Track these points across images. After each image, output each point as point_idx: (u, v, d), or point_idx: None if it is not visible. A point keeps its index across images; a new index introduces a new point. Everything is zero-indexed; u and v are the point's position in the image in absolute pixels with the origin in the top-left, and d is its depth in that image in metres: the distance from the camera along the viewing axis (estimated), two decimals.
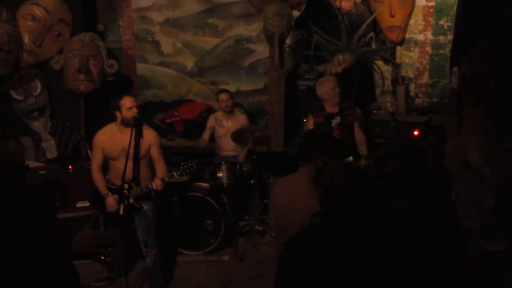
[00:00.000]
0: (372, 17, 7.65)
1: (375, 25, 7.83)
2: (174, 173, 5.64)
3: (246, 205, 7.46)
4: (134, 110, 5.53)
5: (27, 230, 2.99)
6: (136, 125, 5.55)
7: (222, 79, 8.70)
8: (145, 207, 5.69)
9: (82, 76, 7.22)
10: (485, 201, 4.14)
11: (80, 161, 7.00)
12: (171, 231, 6.84)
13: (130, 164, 5.50)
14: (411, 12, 7.69)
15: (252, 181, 7.28)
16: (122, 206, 5.57)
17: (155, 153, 5.71)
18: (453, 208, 3.47)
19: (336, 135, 6.52)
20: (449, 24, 7.62)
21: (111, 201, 5.62)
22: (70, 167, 6.66)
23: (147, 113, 8.48)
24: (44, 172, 6.51)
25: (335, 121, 6.54)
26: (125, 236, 5.53)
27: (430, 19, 7.69)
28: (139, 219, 5.70)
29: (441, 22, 7.67)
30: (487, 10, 7.05)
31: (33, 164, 6.57)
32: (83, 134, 7.44)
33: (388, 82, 7.99)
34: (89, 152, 7.42)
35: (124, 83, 8.48)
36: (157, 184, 5.54)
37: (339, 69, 7.33)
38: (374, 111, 7.56)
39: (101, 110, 8.07)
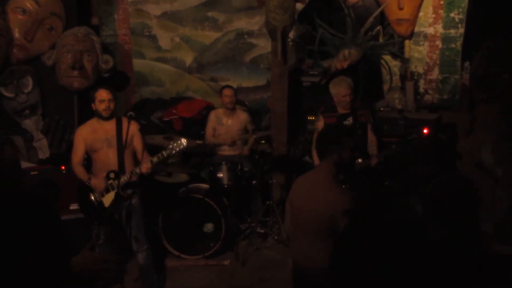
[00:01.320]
0: (379, 10, 7.63)
1: (382, 18, 7.81)
2: (164, 152, 5.62)
3: (247, 207, 7.45)
4: (106, 103, 5.58)
5: (27, 237, 2.97)
6: (108, 118, 5.62)
7: (223, 75, 8.68)
8: (133, 200, 5.70)
9: (75, 73, 7.21)
10: (499, 203, 4.13)
11: None
12: (169, 234, 6.82)
13: (114, 153, 5.58)
14: (420, 4, 7.67)
15: (254, 182, 7.26)
16: (107, 198, 5.57)
17: (138, 143, 5.78)
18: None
19: None
20: (460, 16, 7.59)
21: (95, 182, 5.61)
22: (63, 167, 6.64)
23: (144, 111, 8.47)
24: (36, 173, 6.49)
25: (347, 122, 6.52)
26: (114, 233, 5.53)
27: (441, 11, 7.67)
28: (127, 214, 5.69)
29: (452, 15, 7.65)
30: (500, 2, 7.02)
31: (24, 164, 6.56)
32: None
33: (396, 78, 7.97)
34: None
35: (119, 79, 8.48)
36: (146, 167, 5.55)
37: (345, 65, 7.31)
38: (381, 108, 7.54)
39: None
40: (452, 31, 7.67)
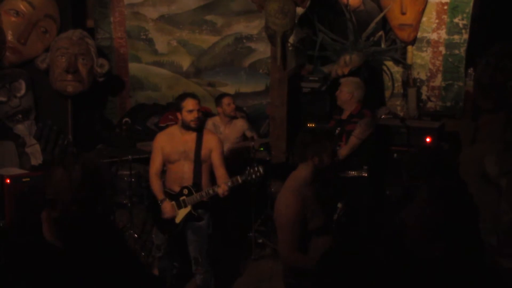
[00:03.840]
0: (381, 15, 7.63)
1: (384, 23, 7.81)
2: (238, 177, 5.52)
3: (245, 215, 7.42)
4: (195, 114, 5.48)
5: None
6: (196, 129, 5.54)
7: (221, 80, 8.68)
8: (200, 222, 5.57)
9: (70, 76, 7.20)
10: (503, 214, 4.13)
11: None
12: None
13: (190, 167, 5.50)
14: (423, 9, 7.66)
15: (252, 190, 7.24)
16: (179, 214, 5.51)
17: (216, 158, 5.60)
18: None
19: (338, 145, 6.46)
20: (464, 22, 7.59)
21: (167, 206, 5.50)
22: None
23: (140, 116, 8.45)
24: (28, 179, 6.43)
25: (337, 130, 6.50)
26: (180, 248, 5.52)
27: (444, 16, 7.67)
28: (192, 234, 5.60)
29: (456, 20, 7.65)
30: (505, 7, 7.03)
31: (16, 171, 6.54)
32: (71, 138, 7.42)
33: (398, 85, 7.97)
34: None
35: (115, 83, 8.47)
36: (223, 189, 5.44)
37: (346, 70, 7.30)
38: (383, 116, 7.53)
39: (90, 113, 8.07)
40: (456, 37, 7.67)
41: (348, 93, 6.38)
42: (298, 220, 3.85)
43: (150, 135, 7.98)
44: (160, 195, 5.57)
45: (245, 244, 7.22)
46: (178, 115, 5.57)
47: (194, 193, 5.48)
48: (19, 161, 7.04)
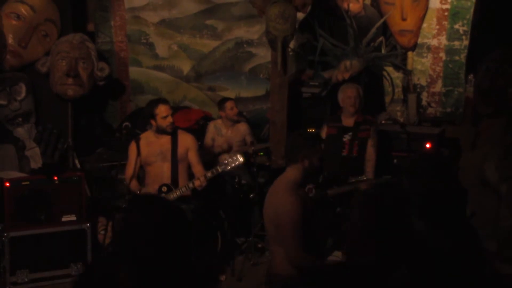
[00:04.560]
0: (382, 20, 7.65)
1: (385, 29, 7.83)
2: (218, 167, 5.65)
3: (245, 220, 7.42)
4: (170, 119, 5.67)
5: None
6: (172, 133, 5.72)
7: (221, 85, 8.69)
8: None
9: (70, 80, 7.20)
10: (503, 220, 4.13)
11: (67, 172, 6.95)
12: None
13: (168, 167, 5.67)
14: (424, 15, 7.69)
15: (252, 195, 7.24)
16: None
17: (193, 156, 5.86)
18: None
19: (347, 152, 6.47)
20: (465, 28, 7.62)
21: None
22: (56, 178, 6.61)
23: (140, 121, 8.45)
24: (28, 183, 6.46)
25: (347, 137, 6.48)
26: None
27: (445, 23, 7.69)
28: None
29: (456, 26, 7.67)
30: (506, 14, 7.04)
31: (16, 174, 6.55)
32: (71, 142, 7.41)
33: (398, 90, 7.98)
34: (76, 161, 7.40)
35: (115, 88, 8.48)
36: (201, 180, 5.56)
37: (346, 76, 7.32)
38: (383, 121, 7.54)
39: (90, 116, 8.07)
40: (456, 43, 7.69)
41: (359, 98, 6.43)
42: (301, 219, 3.91)
43: None
44: (136, 189, 5.82)
45: (244, 248, 7.22)
46: (152, 121, 5.75)
47: (173, 189, 5.57)
48: (19, 165, 7.05)
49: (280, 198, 4.04)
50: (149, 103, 6.00)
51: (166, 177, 5.71)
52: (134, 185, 5.88)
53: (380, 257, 2.46)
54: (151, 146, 5.82)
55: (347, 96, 6.44)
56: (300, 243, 3.92)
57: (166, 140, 5.75)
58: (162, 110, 5.68)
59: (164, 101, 5.90)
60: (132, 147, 5.94)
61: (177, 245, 2.57)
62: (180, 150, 5.74)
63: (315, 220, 4.23)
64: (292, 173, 4.12)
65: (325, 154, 6.45)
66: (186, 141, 5.80)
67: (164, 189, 5.61)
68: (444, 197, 2.81)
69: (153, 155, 5.79)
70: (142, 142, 5.86)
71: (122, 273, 2.48)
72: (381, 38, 7.74)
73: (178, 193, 5.61)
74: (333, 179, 6.25)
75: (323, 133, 6.57)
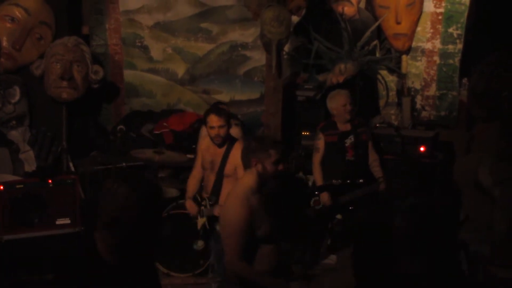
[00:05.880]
0: (376, 24, 7.66)
1: (379, 32, 7.84)
2: None
3: None
4: (216, 131, 5.43)
5: None
6: (220, 145, 5.54)
7: (216, 88, 8.67)
8: (218, 227, 5.47)
9: (64, 83, 7.18)
10: (496, 224, 4.14)
11: (61, 175, 6.94)
12: (158, 251, 6.78)
13: (212, 179, 5.56)
14: (418, 19, 7.70)
15: None
16: (200, 221, 5.62)
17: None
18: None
19: (351, 156, 6.51)
20: (459, 32, 7.63)
21: (189, 204, 5.69)
22: (50, 181, 6.59)
23: (134, 124, 8.44)
24: (22, 186, 6.44)
25: (349, 141, 6.52)
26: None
27: (439, 26, 7.71)
28: (214, 241, 5.69)
29: (450, 30, 7.69)
30: (499, 18, 7.07)
31: (9, 177, 6.53)
32: (65, 145, 7.40)
33: (392, 94, 7.99)
34: (70, 164, 7.37)
35: (110, 90, 8.46)
36: None
37: (341, 79, 7.33)
38: (377, 125, 7.55)
39: (84, 119, 8.05)
40: (450, 46, 7.71)
41: (351, 103, 6.49)
42: (245, 227, 3.91)
43: (145, 143, 8.00)
44: (189, 192, 5.78)
45: None
46: (204, 128, 5.72)
47: (208, 206, 5.54)
48: (13, 168, 7.03)
49: (228, 205, 4.08)
50: (207, 110, 5.78)
51: (210, 189, 5.59)
52: (189, 185, 5.79)
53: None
54: (207, 152, 5.66)
55: (341, 105, 6.49)
56: (241, 251, 3.93)
57: (220, 151, 5.52)
58: (211, 120, 5.44)
59: (217, 111, 5.59)
60: (200, 144, 5.86)
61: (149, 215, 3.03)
62: (229, 166, 5.52)
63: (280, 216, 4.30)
64: (247, 178, 4.13)
65: (328, 162, 6.53)
66: (237, 159, 5.25)
67: (204, 203, 5.55)
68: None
69: (206, 162, 5.64)
70: (205, 145, 5.73)
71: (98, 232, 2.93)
72: (376, 42, 7.76)
73: (212, 211, 5.50)
74: (342, 185, 6.32)
75: (321, 143, 6.58)
